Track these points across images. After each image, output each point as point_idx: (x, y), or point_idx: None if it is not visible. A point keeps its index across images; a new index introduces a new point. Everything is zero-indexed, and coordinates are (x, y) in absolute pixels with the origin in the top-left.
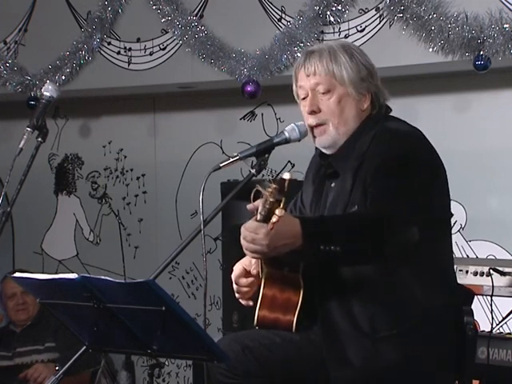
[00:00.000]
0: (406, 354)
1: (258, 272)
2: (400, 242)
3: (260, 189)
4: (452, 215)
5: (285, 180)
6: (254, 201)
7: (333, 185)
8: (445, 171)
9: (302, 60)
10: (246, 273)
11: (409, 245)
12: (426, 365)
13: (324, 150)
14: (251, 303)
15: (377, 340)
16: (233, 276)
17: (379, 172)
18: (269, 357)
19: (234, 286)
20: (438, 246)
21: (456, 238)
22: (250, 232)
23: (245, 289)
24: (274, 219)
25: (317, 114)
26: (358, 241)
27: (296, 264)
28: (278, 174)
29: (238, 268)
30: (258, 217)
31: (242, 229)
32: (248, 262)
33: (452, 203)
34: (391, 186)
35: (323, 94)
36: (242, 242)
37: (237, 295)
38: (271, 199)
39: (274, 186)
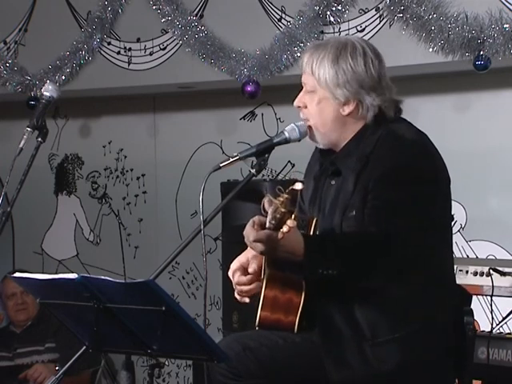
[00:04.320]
0: (406, 357)
1: (255, 270)
2: (393, 264)
3: (271, 198)
4: (453, 219)
5: (297, 191)
6: (263, 210)
7: (333, 182)
8: (448, 177)
9: (303, 53)
10: (244, 270)
11: (401, 265)
12: (426, 367)
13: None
14: (247, 300)
15: (377, 344)
16: (230, 272)
17: (382, 182)
18: (270, 358)
19: (233, 282)
20: (439, 250)
21: (456, 238)
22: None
23: (246, 287)
24: (285, 229)
25: (303, 110)
26: (353, 266)
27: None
28: (278, 174)
29: (234, 264)
30: (267, 225)
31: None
32: (245, 260)
33: (452, 203)
34: (392, 200)
35: (309, 92)
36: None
37: (236, 292)
38: (283, 209)
39: (286, 196)
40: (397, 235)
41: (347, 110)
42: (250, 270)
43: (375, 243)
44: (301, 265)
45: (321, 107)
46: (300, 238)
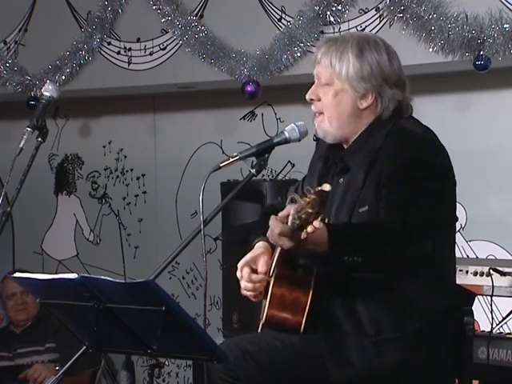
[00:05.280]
0: (406, 356)
1: (266, 271)
2: (414, 256)
3: (297, 197)
4: (457, 219)
5: (326, 192)
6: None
7: (341, 181)
8: (454, 175)
9: (318, 45)
10: (252, 270)
11: (420, 258)
12: (426, 366)
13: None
14: (253, 299)
15: (379, 341)
16: (238, 271)
17: (395, 176)
18: (269, 361)
19: (241, 275)
20: (443, 250)
21: (456, 238)
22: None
23: (251, 285)
24: (309, 229)
25: (315, 103)
26: (379, 253)
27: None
28: (278, 174)
29: (241, 262)
30: (289, 224)
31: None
32: (251, 259)
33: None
34: (408, 194)
35: (324, 85)
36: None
37: (242, 289)
38: (309, 210)
39: (314, 196)
40: (414, 228)
41: (365, 103)
42: (262, 269)
43: (396, 232)
44: (323, 256)
45: (338, 100)
46: (324, 229)
